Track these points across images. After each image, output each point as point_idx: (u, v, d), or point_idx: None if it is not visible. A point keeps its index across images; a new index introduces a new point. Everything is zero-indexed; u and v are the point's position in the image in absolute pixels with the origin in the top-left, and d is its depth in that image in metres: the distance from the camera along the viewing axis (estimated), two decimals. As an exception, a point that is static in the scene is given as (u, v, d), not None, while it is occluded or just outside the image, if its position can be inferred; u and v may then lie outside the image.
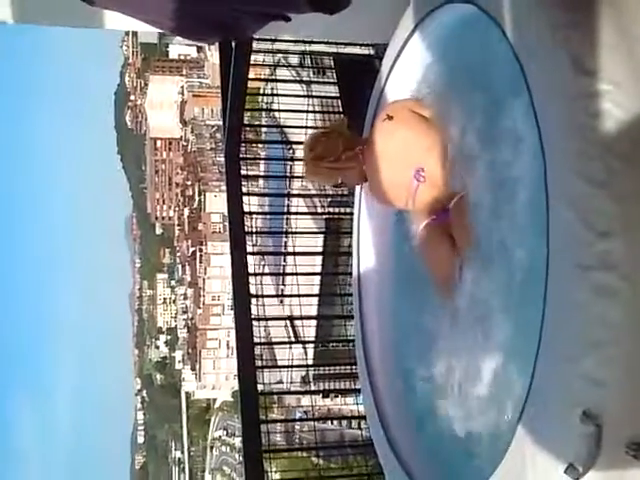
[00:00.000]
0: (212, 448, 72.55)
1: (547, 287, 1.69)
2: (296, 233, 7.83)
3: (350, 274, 3.61)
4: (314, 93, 7.50)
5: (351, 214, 3.57)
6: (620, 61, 1.64)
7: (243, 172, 5.22)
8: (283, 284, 9.67)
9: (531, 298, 1.79)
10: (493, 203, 2.10)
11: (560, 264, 1.68)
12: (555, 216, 1.69)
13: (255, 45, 6.11)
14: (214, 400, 75.36)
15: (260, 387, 4.85)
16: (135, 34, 77.98)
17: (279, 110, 7.91)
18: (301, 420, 9.89)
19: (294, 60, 9.39)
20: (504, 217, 2.04)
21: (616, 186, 1.56)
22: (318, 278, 8.30)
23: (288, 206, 9.76)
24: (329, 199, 8.96)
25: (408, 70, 2.89)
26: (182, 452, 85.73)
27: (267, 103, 9.05)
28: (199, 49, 77.62)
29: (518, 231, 2.00)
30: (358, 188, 3.41)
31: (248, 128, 7.56)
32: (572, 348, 1.63)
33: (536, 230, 1.77)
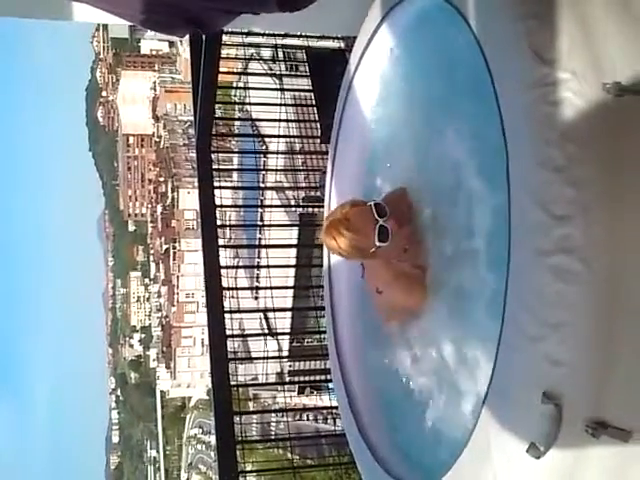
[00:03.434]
0: (188, 446, 72.19)
1: (509, 271, 1.74)
2: (270, 226, 7.85)
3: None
4: (287, 86, 7.51)
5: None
6: (578, 51, 1.68)
7: (215, 166, 5.21)
8: (257, 278, 9.68)
9: (493, 282, 1.83)
10: (455, 191, 2.15)
11: (521, 249, 1.72)
12: (516, 202, 1.73)
13: (227, 39, 6.12)
14: (189, 398, 74.96)
15: (234, 383, 4.86)
16: (106, 29, 77.14)
17: (251, 103, 7.91)
18: (275, 411, 9.88)
19: (266, 53, 9.40)
20: (465, 205, 2.09)
21: (574, 171, 1.60)
22: (293, 270, 8.33)
23: (262, 199, 9.77)
24: (302, 192, 8.98)
25: (376, 61, 2.92)
26: (157, 451, 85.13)
27: (239, 96, 9.05)
28: (171, 44, 77.03)
29: (479, 219, 2.05)
30: (328, 180, 3.44)
31: (220, 121, 7.55)
32: (533, 330, 1.67)
33: (497, 215, 1.81)
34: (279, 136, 7.99)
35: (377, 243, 2.33)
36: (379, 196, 2.66)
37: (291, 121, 7.54)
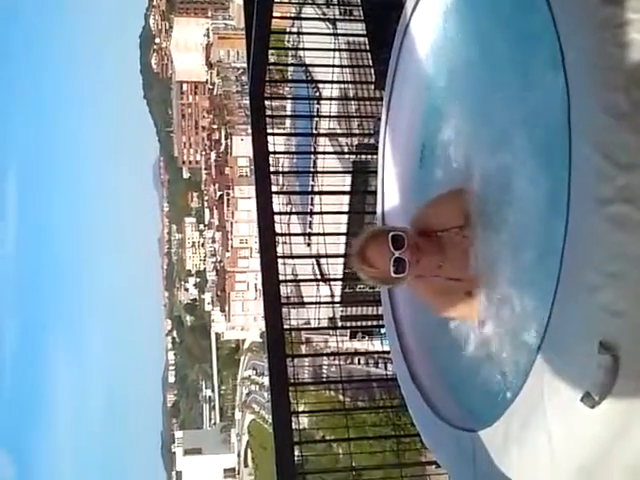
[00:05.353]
0: (242, 387, 74.28)
1: (568, 220, 1.70)
2: (323, 173, 7.84)
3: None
4: (340, 31, 7.40)
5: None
6: (649, -10, 1.60)
7: (268, 112, 5.21)
8: (310, 224, 9.73)
9: (552, 231, 1.80)
10: (515, 136, 2.10)
11: (581, 197, 1.68)
12: (577, 150, 1.68)
13: (280, -17, 6.03)
14: (243, 341, 76.83)
15: (287, 326, 4.95)
16: (159, -26, 76.67)
17: (305, 49, 7.84)
18: (327, 355, 10.07)
19: (320, -2, 9.24)
20: (526, 152, 2.04)
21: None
22: (345, 217, 8.34)
23: (315, 146, 9.73)
24: (356, 139, 8.91)
25: (433, 5, 2.84)
26: (212, 390, 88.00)
27: (293, 42, 8.96)
28: (224, -11, 76.19)
29: (540, 166, 2.01)
30: (382, 127, 3.40)
31: (273, 67, 7.51)
32: (591, 279, 1.64)
33: (558, 164, 1.77)
34: (332, 82, 7.91)
35: (393, 275, 2.36)
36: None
37: (345, 67, 7.45)
